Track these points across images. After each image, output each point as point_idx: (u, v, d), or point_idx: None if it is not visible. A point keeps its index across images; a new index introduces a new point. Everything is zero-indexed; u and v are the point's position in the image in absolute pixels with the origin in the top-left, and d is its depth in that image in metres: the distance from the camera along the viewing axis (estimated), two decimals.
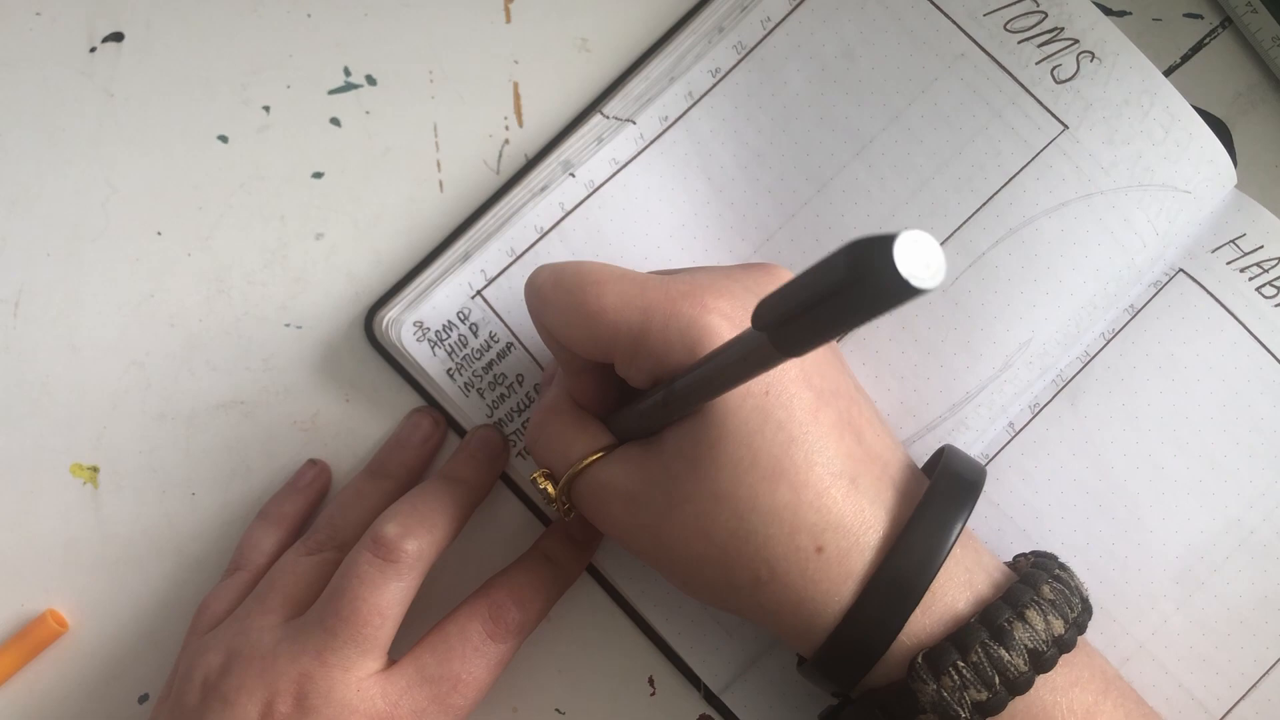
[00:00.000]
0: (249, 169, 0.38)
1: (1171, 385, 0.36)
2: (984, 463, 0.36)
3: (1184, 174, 0.36)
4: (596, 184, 0.36)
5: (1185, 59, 0.40)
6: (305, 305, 0.38)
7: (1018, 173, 0.36)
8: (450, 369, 0.36)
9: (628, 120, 0.37)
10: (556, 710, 0.36)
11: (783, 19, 0.37)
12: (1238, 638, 0.35)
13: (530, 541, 0.36)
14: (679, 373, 0.28)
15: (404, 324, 0.36)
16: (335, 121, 0.38)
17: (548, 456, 0.32)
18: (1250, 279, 0.36)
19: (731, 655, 0.36)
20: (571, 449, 0.31)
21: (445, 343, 0.36)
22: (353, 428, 0.37)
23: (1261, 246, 0.36)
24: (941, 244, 0.36)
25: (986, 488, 0.34)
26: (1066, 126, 0.36)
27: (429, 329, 0.36)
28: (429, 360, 0.36)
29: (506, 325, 0.36)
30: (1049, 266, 0.35)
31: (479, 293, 0.36)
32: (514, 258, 0.36)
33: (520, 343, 0.36)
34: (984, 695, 0.27)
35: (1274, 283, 0.36)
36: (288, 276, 0.38)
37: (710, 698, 0.36)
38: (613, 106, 0.38)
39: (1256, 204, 0.37)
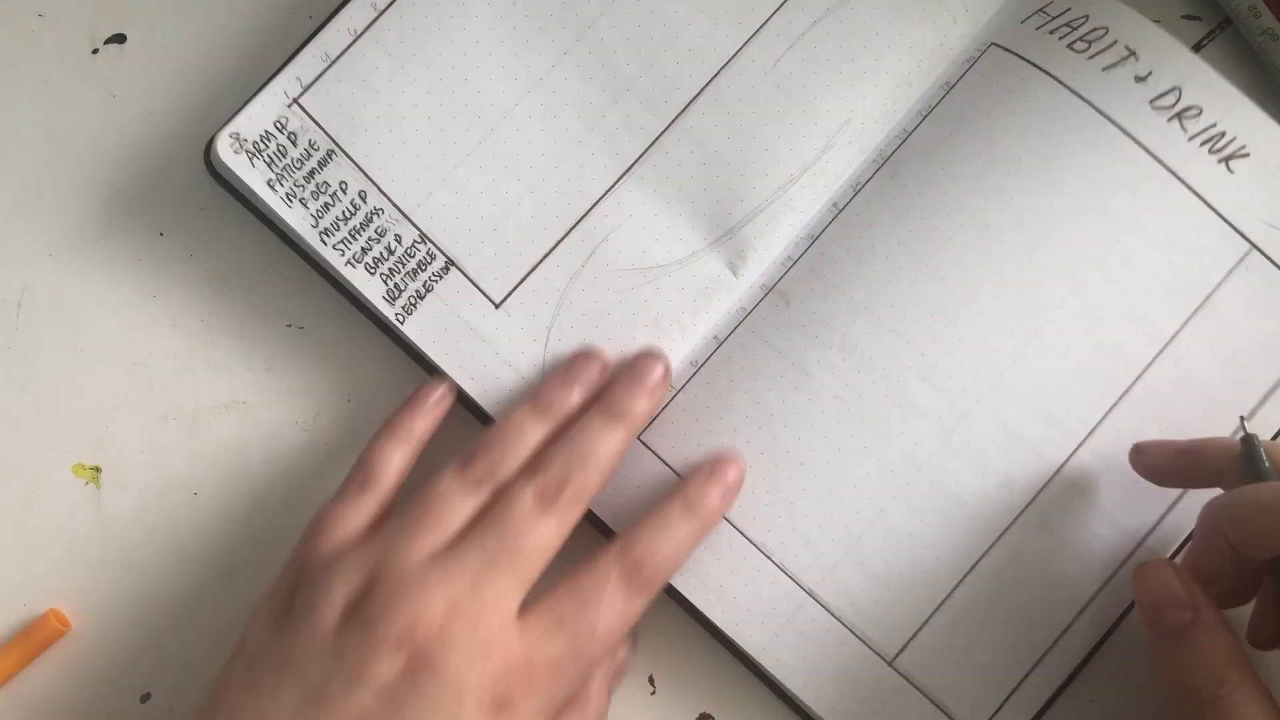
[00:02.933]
0: None
1: (990, 146, 0.35)
2: (810, 243, 0.36)
3: None
4: None
5: None
6: (305, 304, 0.38)
7: None
8: (270, 179, 0.35)
9: None
10: None
11: None
12: (1075, 386, 0.34)
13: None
14: None
15: (221, 137, 0.35)
16: None
17: None
18: (1061, 38, 0.36)
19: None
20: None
21: (264, 154, 0.35)
22: (354, 428, 0.37)
23: (1069, 9, 0.36)
24: (765, 22, 0.36)
25: (813, 260, 0.35)
26: None
27: (245, 140, 0.35)
28: (248, 172, 0.35)
29: (325, 132, 0.36)
30: (865, 45, 0.36)
31: (295, 100, 0.36)
32: (329, 62, 0.36)
33: (341, 149, 0.36)
34: None
35: (1085, 38, 0.36)
36: None
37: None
38: None
39: None
